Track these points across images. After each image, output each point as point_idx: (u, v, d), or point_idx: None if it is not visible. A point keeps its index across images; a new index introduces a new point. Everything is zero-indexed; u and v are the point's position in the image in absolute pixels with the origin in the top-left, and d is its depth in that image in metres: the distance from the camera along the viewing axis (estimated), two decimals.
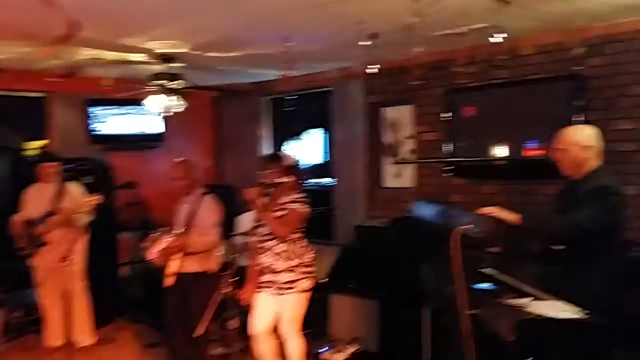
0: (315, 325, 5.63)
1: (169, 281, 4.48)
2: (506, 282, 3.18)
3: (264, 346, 4.12)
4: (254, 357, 4.07)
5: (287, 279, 3.92)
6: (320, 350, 5.08)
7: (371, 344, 5.13)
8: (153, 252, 4.58)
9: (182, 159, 4.68)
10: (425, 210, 3.48)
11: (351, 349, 5.08)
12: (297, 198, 3.96)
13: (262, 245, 4.03)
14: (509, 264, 3.31)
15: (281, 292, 3.95)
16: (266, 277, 4.02)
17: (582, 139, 3.29)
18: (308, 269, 4.01)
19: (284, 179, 3.95)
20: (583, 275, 3.08)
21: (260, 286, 4.04)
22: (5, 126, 8.40)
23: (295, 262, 3.93)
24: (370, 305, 5.20)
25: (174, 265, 4.46)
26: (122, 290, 6.75)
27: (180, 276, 4.46)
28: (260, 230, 4.05)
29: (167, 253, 4.50)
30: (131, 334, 5.92)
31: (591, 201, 3.14)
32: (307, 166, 7.89)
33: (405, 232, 5.36)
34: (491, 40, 3.73)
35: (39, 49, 5.04)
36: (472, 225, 2.80)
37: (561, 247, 3.02)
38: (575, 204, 3.22)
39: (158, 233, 4.64)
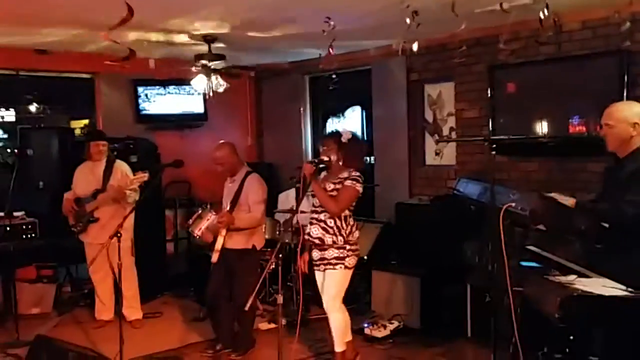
0: (357, 301, 5.75)
1: (214, 257, 4.59)
2: (551, 259, 3.18)
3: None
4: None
5: (335, 255, 3.99)
6: (363, 326, 5.15)
7: (413, 320, 5.20)
8: (199, 229, 4.71)
9: (222, 142, 4.75)
10: (470, 188, 3.49)
11: (393, 325, 5.14)
12: (351, 176, 4.00)
13: (314, 216, 4.09)
14: (554, 241, 3.30)
15: (328, 267, 4.02)
16: (316, 255, 4.08)
17: (630, 116, 3.23)
18: (354, 247, 4.07)
19: (340, 155, 4.01)
20: (628, 254, 3.06)
21: (314, 265, 4.13)
22: (54, 106, 8.69)
23: (342, 239, 3.99)
24: (412, 281, 5.25)
25: (219, 242, 4.56)
26: (168, 265, 6.95)
27: (226, 252, 4.57)
28: (314, 201, 4.12)
29: (213, 230, 4.63)
30: (177, 308, 6.10)
31: (637, 182, 3.10)
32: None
33: (448, 210, 5.38)
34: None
35: (94, 32, 5.17)
36: (518, 203, 2.81)
37: (607, 225, 3.00)
38: (621, 183, 3.19)
39: (201, 210, 4.77)
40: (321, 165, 4.02)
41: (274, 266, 3.87)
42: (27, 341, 4.60)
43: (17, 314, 5.17)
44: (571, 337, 2.86)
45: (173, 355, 4.86)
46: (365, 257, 5.75)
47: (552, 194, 3.18)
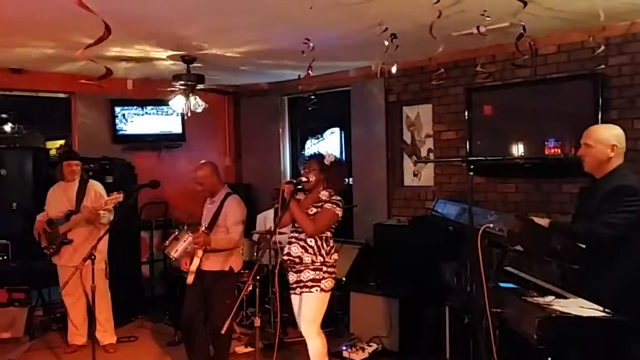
0: (336, 323, 5.70)
1: (190, 279, 4.51)
2: (529, 280, 3.19)
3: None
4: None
5: (311, 277, 3.92)
6: (341, 349, 5.10)
7: (392, 342, 5.16)
8: (175, 251, 4.64)
9: (204, 162, 4.70)
10: (448, 208, 3.49)
11: (372, 348, 5.10)
12: (332, 199, 3.96)
13: (294, 235, 4.04)
14: (531, 262, 3.32)
15: (304, 290, 3.95)
16: (292, 278, 4.01)
17: (608, 138, 3.28)
18: (331, 269, 4.01)
19: (321, 177, 3.98)
20: (605, 275, 3.07)
21: (290, 288, 4.05)
22: (30, 126, 8.57)
23: (321, 259, 3.94)
24: (390, 303, 5.23)
25: (195, 263, 4.49)
26: (143, 288, 6.84)
27: (202, 274, 4.50)
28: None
29: (190, 252, 4.56)
30: (152, 332, 5.99)
31: (611, 203, 3.13)
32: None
33: (426, 231, 5.38)
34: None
35: (70, 51, 5.13)
36: (495, 224, 2.81)
37: (583, 245, 3.01)
38: (595, 203, 3.22)
39: (177, 232, 4.70)
40: (299, 186, 3.99)
41: (251, 288, 3.83)
42: None
43: None
44: (549, 359, 2.86)
45: None
46: (344, 279, 5.71)
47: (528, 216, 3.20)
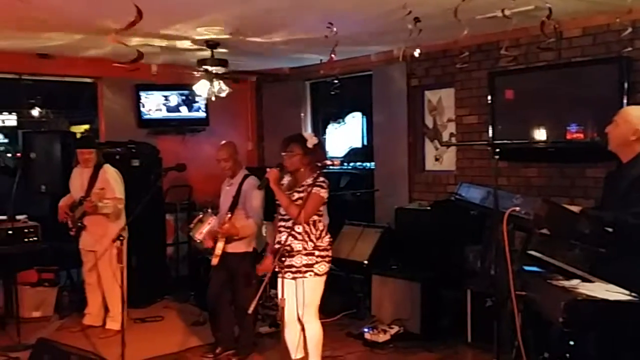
0: (357, 305, 5.77)
1: (214, 261, 4.59)
2: (553, 264, 3.21)
3: (291, 334, 4.03)
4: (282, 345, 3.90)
5: (304, 262, 3.88)
6: (363, 331, 5.16)
7: (413, 325, 5.20)
8: (199, 233, 4.72)
9: (226, 142, 4.80)
10: (472, 192, 3.50)
11: (393, 330, 5.15)
12: (316, 182, 3.85)
13: (281, 224, 4.00)
14: (555, 246, 3.33)
15: (297, 275, 3.90)
16: (285, 262, 3.87)
17: (634, 120, 3.25)
18: (324, 253, 3.95)
19: (324, 162, 3.94)
20: (633, 258, 3.08)
21: (280, 271, 3.86)
22: (56, 110, 8.71)
23: (312, 245, 3.90)
24: (412, 286, 5.26)
25: (219, 247, 4.56)
26: (169, 269, 6.97)
27: (226, 256, 4.57)
28: (281, 209, 4.01)
29: (213, 234, 4.64)
30: (178, 312, 6.11)
31: (638, 191, 3.13)
32: (348, 149, 7.97)
33: (448, 215, 5.40)
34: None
35: (97, 36, 5.20)
36: (521, 207, 2.83)
37: (611, 229, 3.02)
38: (622, 191, 3.21)
39: (202, 214, 4.78)
40: (282, 171, 3.95)
41: (276, 269, 3.88)
42: (29, 344, 4.61)
43: (19, 318, 5.15)
44: (571, 343, 2.88)
45: (174, 358, 4.89)
46: (366, 262, 5.77)
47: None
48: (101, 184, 5.28)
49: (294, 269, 3.89)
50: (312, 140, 3.96)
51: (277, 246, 3.93)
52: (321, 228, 3.97)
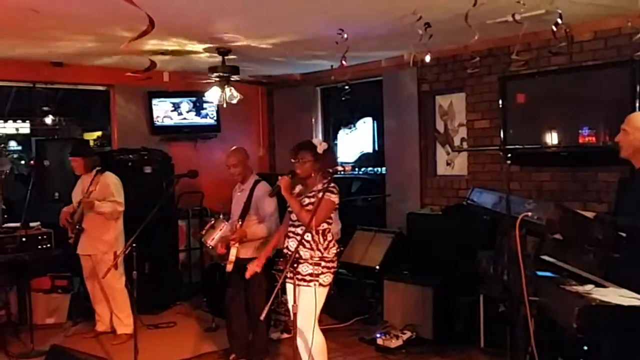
0: (370, 311, 5.76)
1: (229, 267, 4.60)
2: (566, 269, 3.19)
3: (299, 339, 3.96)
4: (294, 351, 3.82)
5: (309, 271, 3.84)
6: (375, 336, 5.15)
7: (426, 331, 5.19)
8: (211, 239, 4.74)
9: (236, 147, 4.81)
10: (484, 197, 3.50)
11: (406, 336, 5.13)
12: (327, 187, 3.83)
13: (291, 230, 3.99)
14: (567, 251, 3.31)
15: (302, 284, 3.86)
16: (289, 267, 3.87)
17: None
18: (330, 264, 3.92)
19: (335, 168, 3.89)
20: None
21: (292, 278, 3.90)
22: (69, 118, 8.78)
23: (318, 254, 3.86)
24: (424, 291, 5.25)
25: (233, 253, 4.57)
26: (181, 275, 6.99)
27: (240, 262, 4.58)
28: (292, 215, 3.99)
29: (225, 240, 4.65)
30: (190, 318, 6.13)
31: None
32: (359, 154, 7.98)
33: (460, 220, 5.39)
34: None
35: (110, 44, 5.25)
36: (534, 212, 2.82)
37: (624, 234, 3.00)
38: (636, 196, 3.20)
39: (214, 221, 4.79)
40: (294, 178, 3.95)
41: (287, 275, 3.88)
42: (42, 351, 4.66)
43: (32, 324, 5.20)
44: (585, 348, 2.86)
45: None
46: (377, 267, 5.77)
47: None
48: (101, 188, 5.30)
49: (299, 277, 3.86)
50: (321, 146, 3.96)
51: (285, 251, 3.93)
52: (329, 238, 3.94)
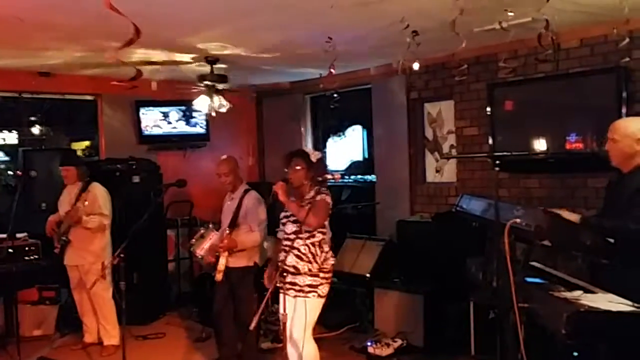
0: (360, 319, 5.74)
1: (218, 277, 4.56)
2: (555, 275, 3.19)
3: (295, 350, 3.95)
4: None
5: (308, 282, 3.85)
6: (366, 344, 5.13)
7: (417, 338, 5.18)
8: (201, 249, 4.71)
9: (227, 156, 4.79)
10: (473, 204, 3.50)
11: (397, 344, 5.12)
12: (320, 191, 3.91)
13: (286, 244, 3.96)
14: (557, 257, 3.32)
15: (300, 295, 3.86)
16: (287, 279, 3.89)
17: (634, 131, 3.27)
18: (328, 275, 3.93)
19: (325, 176, 3.96)
20: (635, 269, 3.07)
21: (282, 289, 3.88)
22: (57, 128, 8.72)
23: (317, 266, 3.87)
24: (415, 299, 5.25)
25: (222, 262, 4.54)
26: (170, 285, 6.95)
27: (229, 271, 4.55)
28: (286, 228, 4.01)
29: (215, 250, 4.62)
30: (180, 328, 6.08)
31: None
32: (348, 163, 7.98)
33: (449, 226, 5.39)
34: None
35: (97, 54, 5.23)
36: (523, 219, 2.82)
37: (612, 240, 3.02)
38: (625, 199, 3.22)
39: (203, 230, 4.77)
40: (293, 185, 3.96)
41: (278, 285, 3.86)
42: None
43: (19, 336, 5.13)
44: (575, 354, 2.86)
45: None
46: (368, 275, 5.75)
47: (557, 210, 3.19)
48: (88, 200, 5.25)
49: (297, 287, 3.86)
50: (314, 155, 3.99)
51: (280, 264, 3.89)
52: (326, 250, 3.95)
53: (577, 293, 2.87)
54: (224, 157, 4.78)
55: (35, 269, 5.70)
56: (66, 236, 5.30)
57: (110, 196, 5.42)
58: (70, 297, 6.10)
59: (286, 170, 4.00)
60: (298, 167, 3.94)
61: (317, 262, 3.86)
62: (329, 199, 3.92)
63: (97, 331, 5.52)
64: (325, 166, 4.21)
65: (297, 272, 3.85)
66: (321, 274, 3.87)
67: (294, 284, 3.86)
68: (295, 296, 3.86)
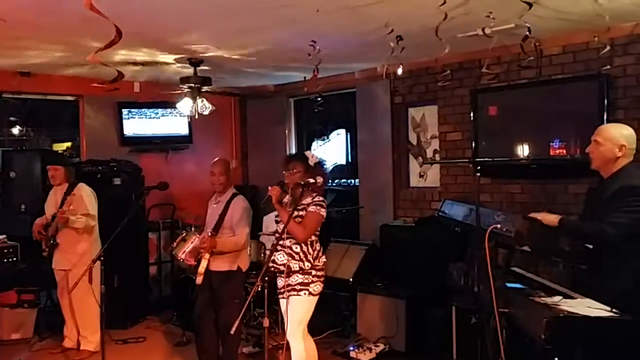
0: (343, 323, 5.72)
1: (199, 279, 4.53)
2: (535, 281, 3.21)
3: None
4: None
5: (299, 280, 3.88)
6: (348, 349, 5.12)
7: (399, 343, 5.18)
8: (182, 252, 4.67)
9: (220, 158, 4.79)
10: (455, 209, 3.52)
11: (379, 348, 5.12)
12: (316, 200, 3.92)
13: (279, 242, 3.96)
14: (537, 263, 3.33)
15: (292, 293, 3.89)
16: (280, 282, 3.95)
17: (618, 137, 3.29)
18: (320, 273, 3.96)
19: (307, 179, 3.92)
20: (612, 275, 3.09)
21: (278, 291, 3.98)
22: (38, 129, 8.63)
23: (309, 264, 3.89)
24: (397, 304, 5.25)
25: (203, 265, 4.51)
26: (151, 289, 6.88)
27: (210, 275, 4.52)
28: (278, 226, 4.03)
29: (197, 253, 4.59)
30: (160, 333, 6.02)
31: (617, 202, 3.15)
32: (332, 166, 7.98)
33: (432, 231, 5.40)
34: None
35: (79, 54, 5.17)
36: (503, 224, 2.83)
37: (591, 245, 3.04)
38: (603, 204, 3.24)
39: (185, 233, 4.74)
40: (284, 189, 3.97)
41: (260, 289, 3.84)
42: None
43: None
44: (555, 359, 2.87)
45: None
46: (351, 279, 5.74)
47: (539, 214, 3.20)
48: (74, 201, 5.17)
49: (289, 287, 3.89)
50: (313, 159, 4.01)
51: (271, 264, 3.89)
52: (318, 248, 3.99)
53: (556, 298, 2.88)
54: (217, 159, 4.77)
55: (13, 272, 5.64)
56: (54, 239, 5.23)
57: (97, 197, 5.36)
58: (51, 300, 6.06)
59: (284, 172, 4.04)
60: (296, 170, 3.97)
61: (309, 261, 3.89)
62: (323, 212, 3.92)
63: (77, 336, 5.45)
64: (324, 171, 4.17)
65: (288, 270, 3.87)
66: (313, 272, 3.90)
67: (288, 284, 3.90)
68: (288, 296, 3.90)
